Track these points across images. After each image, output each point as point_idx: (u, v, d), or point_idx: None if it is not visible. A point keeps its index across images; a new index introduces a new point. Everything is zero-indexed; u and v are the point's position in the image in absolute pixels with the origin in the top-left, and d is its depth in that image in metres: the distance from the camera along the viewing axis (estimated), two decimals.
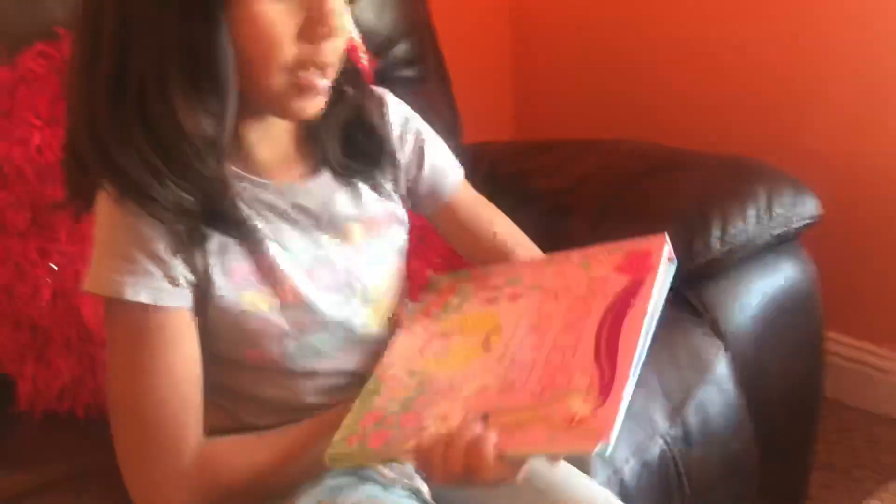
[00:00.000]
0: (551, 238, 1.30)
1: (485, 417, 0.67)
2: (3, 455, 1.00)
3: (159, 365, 0.73)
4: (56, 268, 1.05)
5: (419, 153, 0.89)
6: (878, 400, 1.65)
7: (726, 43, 1.67)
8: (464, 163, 1.56)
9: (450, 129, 1.59)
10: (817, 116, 1.58)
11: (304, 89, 0.73)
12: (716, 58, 1.69)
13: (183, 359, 0.74)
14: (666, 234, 0.77)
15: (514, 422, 0.67)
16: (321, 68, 0.73)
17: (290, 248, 0.79)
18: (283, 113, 0.76)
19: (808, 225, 1.23)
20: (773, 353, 1.20)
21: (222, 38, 0.69)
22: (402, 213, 0.89)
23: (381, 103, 0.86)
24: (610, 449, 0.62)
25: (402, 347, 0.81)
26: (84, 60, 0.72)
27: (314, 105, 0.75)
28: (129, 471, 0.75)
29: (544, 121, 2.02)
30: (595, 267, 0.79)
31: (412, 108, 0.90)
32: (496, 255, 0.91)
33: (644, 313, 0.70)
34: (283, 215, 0.79)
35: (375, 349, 0.83)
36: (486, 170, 1.52)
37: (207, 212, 0.73)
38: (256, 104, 0.75)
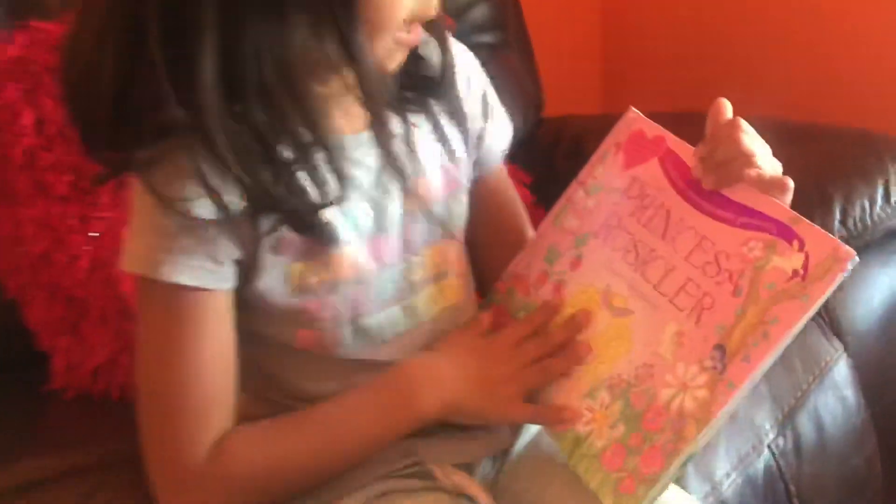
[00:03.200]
0: None
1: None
2: (32, 437, 0.93)
3: (189, 350, 0.65)
4: (97, 235, 0.96)
5: (485, 104, 0.79)
6: None
7: (840, 10, 1.48)
8: (546, 136, 1.47)
9: (531, 101, 1.48)
10: None
11: (402, 44, 0.66)
12: (827, 22, 1.50)
13: (215, 345, 0.66)
14: (631, 107, 0.75)
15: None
16: (427, 22, 0.67)
17: (348, 213, 0.68)
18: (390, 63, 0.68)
19: None
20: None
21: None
22: (464, 177, 0.77)
23: (442, 37, 0.75)
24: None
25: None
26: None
27: (402, 57, 0.68)
28: (150, 460, 0.67)
29: (634, 93, 1.87)
30: (609, 182, 0.74)
31: (490, 77, 0.82)
32: (505, 245, 0.81)
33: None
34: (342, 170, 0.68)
35: (441, 335, 0.74)
36: (569, 144, 1.41)
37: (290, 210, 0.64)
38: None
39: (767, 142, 1.12)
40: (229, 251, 0.64)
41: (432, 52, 0.73)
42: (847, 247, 0.61)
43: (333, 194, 0.65)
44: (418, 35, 0.67)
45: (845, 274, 0.61)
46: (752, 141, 0.67)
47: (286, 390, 0.71)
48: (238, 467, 0.66)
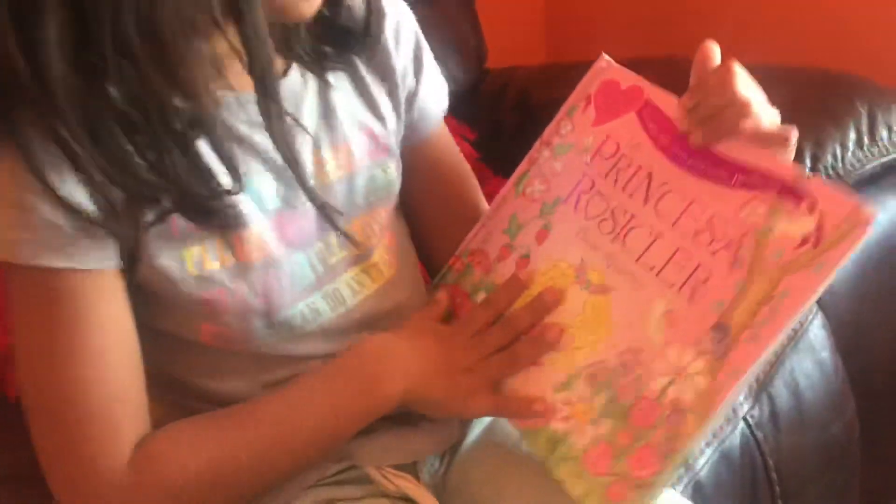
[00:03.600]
0: None
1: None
2: None
3: (78, 344, 0.55)
4: None
5: (417, 61, 0.69)
6: None
7: None
8: (490, 89, 1.37)
9: (473, 52, 1.38)
10: None
11: None
12: None
13: (109, 334, 0.55)
14: (603, 54, 0.66)
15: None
16: None
17: (249, 186, 0.58)
18: (282, 15, 0.56)
19: None
20: (877, 312, 0.98)
21: None
22: (393, 141, 0.67)
23: None
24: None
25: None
26: None
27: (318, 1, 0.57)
28: (54, 480, 0.57)
29: (579, 42, 1.78)
30: (579, 140, 0.64)
31: (426, 26, 0.72)
32: (454, 217, 0.72)
33: None
34: (239, 137, 0.58)
35: (373, 319, 0.64)
36: (516, 98, 1.32)
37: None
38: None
39: None
40: (107, 220, 0.53)
41: None
42: (869, 206, 0.52)
43: (226, 181, 0.54)
44: None
45: (865, 237, 0.52)
46: (747, 88, 0.58)
47: (190, 391, 0.61)
48: (168, 474, 0.56)
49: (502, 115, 1.30)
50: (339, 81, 0.64)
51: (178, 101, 0.51)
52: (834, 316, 0.93)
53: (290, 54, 0.61)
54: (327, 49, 0.63)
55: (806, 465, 0.88)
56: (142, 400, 0.57)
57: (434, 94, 0.71)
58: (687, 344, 0.55)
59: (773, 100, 1.06)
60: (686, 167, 0.59)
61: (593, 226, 0.61)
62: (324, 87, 0.62)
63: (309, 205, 0.60)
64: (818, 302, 0.92)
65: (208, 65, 0.53)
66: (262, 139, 0.58)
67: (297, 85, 0.62)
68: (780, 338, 0.53)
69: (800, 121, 0.96)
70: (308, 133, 0.61)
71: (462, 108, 1.13)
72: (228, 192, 0.55)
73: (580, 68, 1.30)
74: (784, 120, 0.99)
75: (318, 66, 0.62)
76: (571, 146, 0.65)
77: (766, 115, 0.58)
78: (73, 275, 0.53)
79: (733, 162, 0.57)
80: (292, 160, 0.56)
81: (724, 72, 0.57)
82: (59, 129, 0.50)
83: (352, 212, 0.64)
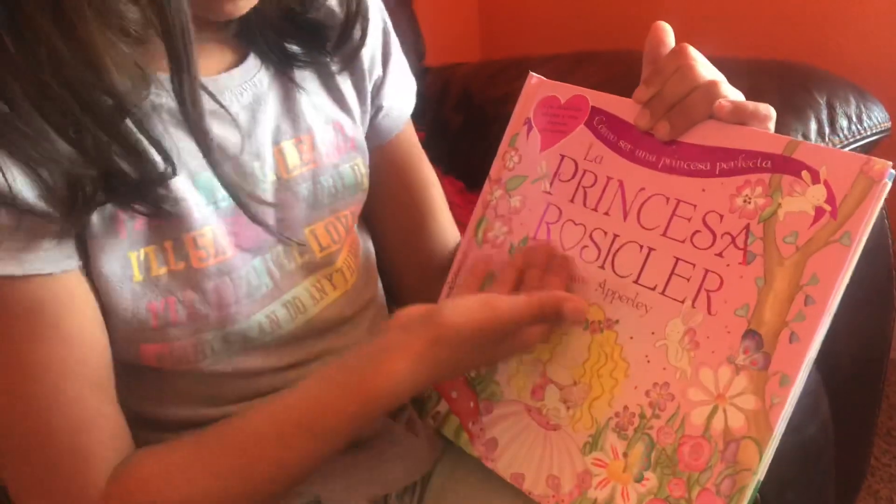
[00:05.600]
0: None
1: None
2: None
3: (39, 363, 0.48)
4: None
5: (385, 48, 0.63)
6: None
7: None
8: (432, 88, 1.32)
9: (412, 49, 1.33)
10: (863, 16, 1.29)
11: None
12: None
13: (74, 347, 0.49)
14: (531, 73, 0.61)
15: None
16: None
17: (200, 182, 0.52)
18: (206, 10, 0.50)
19: (877, 140, 0.97)
20: (842, 314, 0.95)
21: None
22: (361, 136, 0.61)
23: None
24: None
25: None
26: None
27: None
28: None
29: (513, 39, 1.75)
30: (531, 168, 0.59)
31: None
32: (413, 224, 0.68)
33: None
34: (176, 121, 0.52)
35: (334, 326, 0.59)
36: (458, 95, 1.29)
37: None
38: None
39: None
40: (59, 219, 0.47)
41: None
42: (880, 160, 0.47)
43: (157, 166, 0.48)
44: None
45: (886, 193, 0.47)
46: (708, 68, 0.53)
47: (132, 418, 0.54)
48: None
49: (446, 115, 1.26)
50: (302, 72, 0.58)
51: (90, 78, 0.45)
52: None
53: (249, 46, 0.55)
54: (293, 47, 0.56)
55: (784, 467, 0.85)
56: (116, 418, 0.51)
57: (401, 89, 0.66)
58: (719, 363, 0.49)
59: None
60: (659, 168, 0.54)
61: (574, 256, 0.56)
62: (286, 79, 0.56)
63: (270, 199, 0.54)
64: None
65: (121, 38, 0.46)
66: (220, 130, 0.52)
67: (253, 73, 0.56)
68: (825, 328, 0.48)
69: None
70: (237, 120, 0.54)
71: None
72: (161, 176, 0.48)
73: (520, 65, 1.27)
74: None
75: (282, 61, 0.56)
76: (524, 178, 0.59)
77: (734, 92, 0.54)
78: (30, 282, 0.47)
79: (711, 149, 0.52)
80: (207, 148, 0.49)
81: (682, 54, 0.53)
82: None
83: (316, 213, 0.58)
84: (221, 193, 0.53)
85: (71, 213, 0.47)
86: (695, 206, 0.52)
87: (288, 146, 0.56)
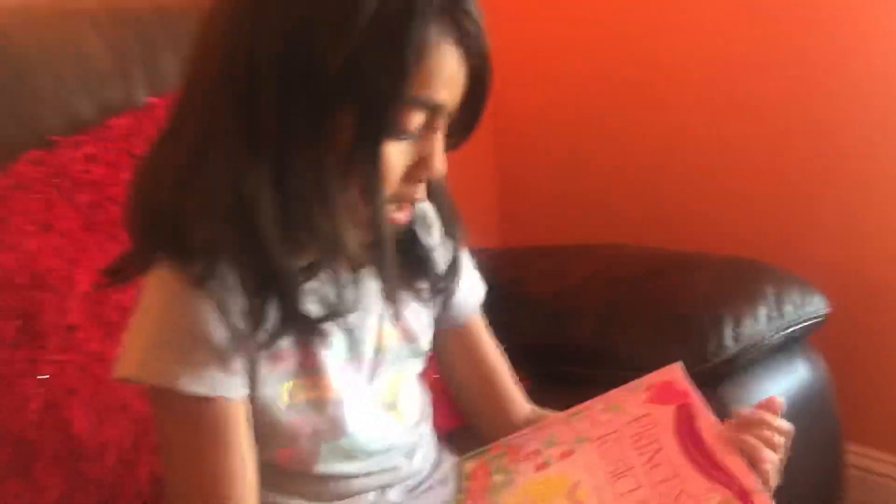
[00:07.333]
0: (554, 342, 1.28)
1: None
2: None
3: (216, 451, 0.70)
4: (46, 377, 0.99)
5: (455, 263, 0.85)
6: None
7: (721, 144, 1.67)
8: None
9: None
10: (819, 218, 1.57)
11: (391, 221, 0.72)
12: (708, 160, 1.69)
13: (235, 452, 0.71)
14: (681, 362, 0.80)
15: None
16: (413, 204, 0.74)
17: (332, 343, 0.75)
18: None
19: (817, 324, 1.21)
20: (790, 460, 1.16)
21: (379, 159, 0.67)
22: (431, 321, 0.86)
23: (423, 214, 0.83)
24: None
25: None
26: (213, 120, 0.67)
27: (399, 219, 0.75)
28: None
29: (529, 229, 2.01)
30: (627, 408, 0.80)
31: None
32: (484, 389, 0.91)
33: (712, 426, 0.74)
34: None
35: (410, 447, 0.83)
36: (482, 276, 1.51)
37: (280, 300, 0.69)
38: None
39: (665, 269, 1.28)
40: (240, 361, 0.69)
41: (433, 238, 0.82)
42: None
43: (338, 309, 0.72)
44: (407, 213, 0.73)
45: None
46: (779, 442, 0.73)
47: None
48: None
49: None
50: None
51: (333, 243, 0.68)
52: None
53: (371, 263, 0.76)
54: (406, 276, 0.80)
55: None
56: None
57: (470, 286, 0.88)
58: None
59: (702, 283, 1.28)
60: (686, 452, 0.73)
61: (602, 463, 0.76)
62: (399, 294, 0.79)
63: (365, 355, 0.78)
64: None
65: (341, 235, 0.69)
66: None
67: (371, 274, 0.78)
68: None
69: (722, 300, 1.19)
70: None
71: None
72: (333, 315, 0.72)
73: (533, 253, 1.50)
74: (711, 300, 1.21)
75: (400, 285, 0.79)
76: (620, 408, 0.81)
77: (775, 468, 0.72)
78: (215, 402, 0.69)
79: (720, 461, 0.71)
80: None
81: (779, 430, 0.72)
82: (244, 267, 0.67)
83: (394, 369, 0.81)
84: (340, 348, 0.75)
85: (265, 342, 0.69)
86: (683, 481, 0.71)
87: (385, 325, 0.80)
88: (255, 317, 0.68)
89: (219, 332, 0.67)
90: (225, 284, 0.67)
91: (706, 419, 0.75)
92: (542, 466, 0.79)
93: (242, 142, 0.65)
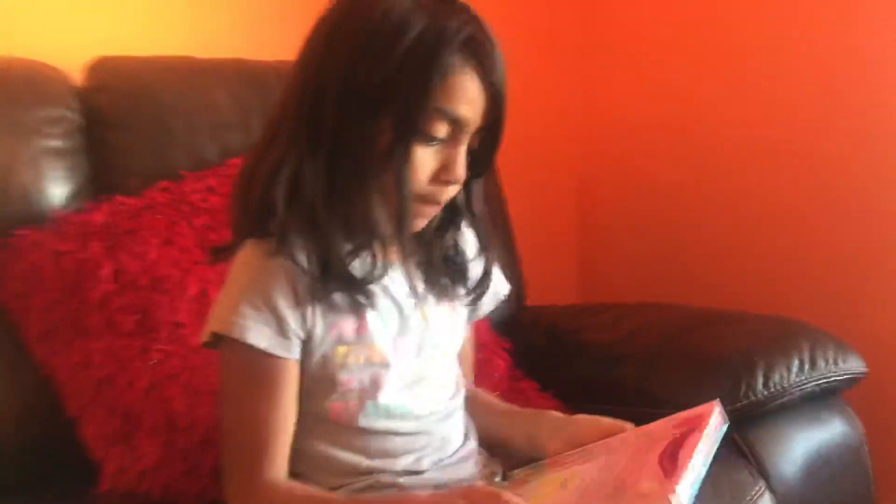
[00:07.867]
0: (604, 384, 1.39)
1: None
2: None
3: (262, 400, 0.87)
4: (154, 362, 1.17)
5: (485, 277, 1.00)
6: None
7: (787, 215, 1.76)
8: (525, 319, 1.70)
9: (514, 293, 1.68)
10: (868, 285, 1.63)
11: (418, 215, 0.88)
12: (775, 228, 1.79)
13: (282, 402, 0.87)
14: (718, 400, 0.85)
15: None
16: (438, 204, 0.89)
17: (382, 314, 0.91)
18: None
19: (851, 380, 1.28)
20: None
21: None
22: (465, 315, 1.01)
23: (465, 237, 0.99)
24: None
25: None
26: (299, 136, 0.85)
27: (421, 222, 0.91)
28: (226, 475, 0.89)
29: (606, 287, 2.11)
30: (655, 433, 0.87)
31: None
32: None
33: (699, 440, 0.79)
34: (382, 286, 0.91)
35: (444, 414, 0.95)
36: (545, 328, 1.62)
37: (345, 277, 0.86)
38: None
39: (706, 322, 1.38)
40: (297, 329, 0.86)
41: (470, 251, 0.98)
42: None
43: (378, 273, 0.88)
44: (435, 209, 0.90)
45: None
46: None
47: (311, 460, 0.90)
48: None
49: (534, 340, 1.62)
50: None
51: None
52: (783, 496, 1.18)
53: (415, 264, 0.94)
54: (443, 281, 0.96)
55: None
56: (286, 452, 0.88)
57: (493, 290, 1.02)
58: None
59: (742, 334, 1.37)
60: (658, 457, 0.81)
61: (603, 463, 0.86)
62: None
63: (412, 333, 0.92)
64: (768, 483, 1.19)
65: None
66: (395, 289, 0.92)
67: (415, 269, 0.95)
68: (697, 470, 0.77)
69: (757, 349, 1.28)
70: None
71: (504, 329, 1.47)
72: (377, 278, 0.88)
73: (597, 307, 1.61)
74: (746, 348, 1.30)
75: (434, 284, 0.95)
76: (650, 435, 0.88)
77: None
78: (270, 358, 0.85)
79: (680, 458, 0.79)
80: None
81: None
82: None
83: (431, 349, 0.95)
84: (391, 320, 0.91)
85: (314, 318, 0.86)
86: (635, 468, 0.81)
87: (429, 303, 0.95)
88: (315, 283, 0.85)
89: (287, 296, 0.84)
90: (294, 257, 0.84)
91: (695, 437, 0.80)
92: (564, 466, 0.90)
93: (303, 143, 0.84)
